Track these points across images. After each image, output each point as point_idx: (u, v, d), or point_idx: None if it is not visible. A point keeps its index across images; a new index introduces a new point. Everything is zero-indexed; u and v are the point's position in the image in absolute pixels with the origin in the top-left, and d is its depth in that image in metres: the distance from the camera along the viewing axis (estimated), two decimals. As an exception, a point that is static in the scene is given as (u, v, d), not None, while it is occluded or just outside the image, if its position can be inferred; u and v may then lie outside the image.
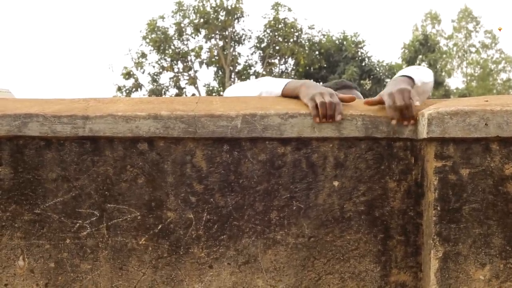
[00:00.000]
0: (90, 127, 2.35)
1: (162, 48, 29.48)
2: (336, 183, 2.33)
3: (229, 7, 29.24)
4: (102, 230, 2.38)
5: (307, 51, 29.57)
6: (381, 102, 2.38)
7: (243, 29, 30.15)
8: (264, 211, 2.34)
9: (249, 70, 30.28)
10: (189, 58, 29.90)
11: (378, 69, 31.37)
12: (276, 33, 28.77)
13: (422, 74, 2.65)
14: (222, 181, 2.35)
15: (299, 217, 2.33)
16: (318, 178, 2.33)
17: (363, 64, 31.32)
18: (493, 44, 46.60)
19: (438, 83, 31.79)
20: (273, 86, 2.65)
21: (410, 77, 2.54)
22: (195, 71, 30.16)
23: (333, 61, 30.96)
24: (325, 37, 30.63)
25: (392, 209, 2.32)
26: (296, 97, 2.54)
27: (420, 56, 32.65)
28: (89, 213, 2.38)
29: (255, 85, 2.76)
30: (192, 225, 2.35)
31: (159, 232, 2.36)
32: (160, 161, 2.36)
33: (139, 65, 29.70)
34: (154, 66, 30.00)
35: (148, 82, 30.17)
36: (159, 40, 29.28)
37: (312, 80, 2.75)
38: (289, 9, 29.51)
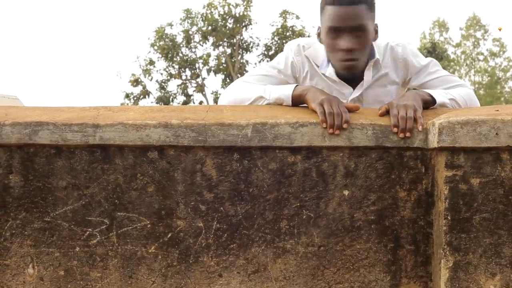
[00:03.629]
0: (100, 135, 2.36)
1: (170, 55, 29.50)
2: (346, 192, 2.33)
3: (237, 15, 29.28)
4: (112, 238, 2.38)
5: (315, 59, 29.47)
6: (387, 110, 2.42)
7: (251, 37, 30.17)
8: (274, 220, 2.34)
9: (257, 78, 30.24)
10: (197, 65, 29.91)
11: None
12: (284, 41, 28.71)
13: (453, 96, 2.70)
14: (232, 189, 2.35)
15: (309, 226, 2.33)
16: (328, 187, 2.33)
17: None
18: (501, 52, 46.55)
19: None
20: (280, 90, 2.64)
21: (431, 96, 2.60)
22: (203, 79, 30.18)
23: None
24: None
25: (402, 218, 2.32)
26: (302, 102, 2.56)
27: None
28: (99, 221, 2.38)
29: (255, 88, 2.74)
30: (202, 234, 2.35)
31: (168, 240, 2.36)
32: (170, 169, 2.36)
33: (147, 72, 29.72)
34: (162, 73, 30.01)
35: (156, 89, 30.18)
36: (167, 47, 29.31)
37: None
38: (297, 17, 29.53)
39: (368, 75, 2.81)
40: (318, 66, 2.84)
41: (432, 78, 2.84)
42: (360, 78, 2.81)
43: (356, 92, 2.82)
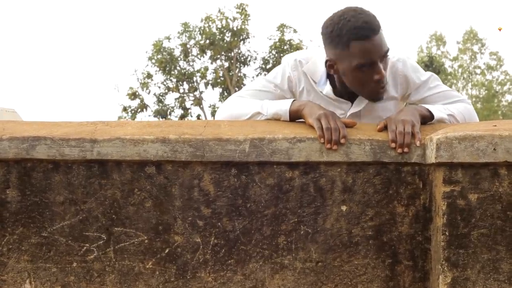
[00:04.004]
0: (98, 150, 2.36)
1: (167, 68, 29.53)
2: (344, 208, 2.32)
3: (235, 29, 29.34)
4: (109, 254, 2.37)
5: (312, 72, 29.50)
6: (386, 126, 2.42)
7: (248, 50, 30.21)
8: (272, 235, 2.34)
9: (254, 91, 30.26)
10: (194, 79, 29.94)
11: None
12: (281, 54, 28.74)
13: (449, 112, 2.70)
14: (229, 205, 2.34)
15: (307, 241, 2.33)
16: (326, 203, 2.33)
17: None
18: (498, 66, 46.65)
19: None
20: (278, 105, 2.63)
21: (429, 110, 2.61)
22: (201, 92, 30.20)
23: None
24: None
25: (400, 234, 2.31)
26: (299, 117, 2.56)
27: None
28: (96, 236, 2.38)
29: (252, 103, 2.73)
30: (200, 249, 2.35)
31: (166, 256, 2.36)
32: (167, 184, 2.36)
33: (144, 85, 29.73)
34: (159, 87, 30.02)
35: (154, 103, 30.18)
36: (165, 60, 29.34)
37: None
38: (295, 31, 29.60)
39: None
40: (315, 83, 2.82)
41: (432, 94, 2.83)
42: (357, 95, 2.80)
43: (356, 108, 2.80)
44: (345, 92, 2.78)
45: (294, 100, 2.62)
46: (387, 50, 2.62)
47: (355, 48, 2.56)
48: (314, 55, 2.85)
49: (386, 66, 2.65)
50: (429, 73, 2.88)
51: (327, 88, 2.78)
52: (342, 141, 2.32)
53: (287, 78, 2.84)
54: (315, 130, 2.37)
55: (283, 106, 2.60)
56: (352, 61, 2.59)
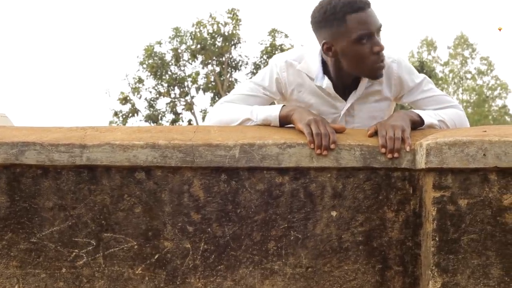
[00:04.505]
0: (87, 155, 2.35)
1: (159, 73, 29.51)
2: (334, 213, 2.32)
3: (226, 33, 29.35)
4: (98, 260, 2.36)
5: (303, 77, 29.51)
6: (376, 131, 2.42)
7: (240, 55, 30.21)
8: (262, 241, 2.33)
9: (245, 96, 30.25)
10: (186, 83, 29.92)
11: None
12: (273, 59, 28.78)
13: (440, 117, 2.72)
14: (219, 210, 2.34)
15: (297, 247, 2.32)
16: (316, 208, 2.32)
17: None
18: (488, 71, 46.82)
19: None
20: (267, 111, 2.63)
21: (419, 115, 2.62)
22: (192, 97, 30.18)
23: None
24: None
25: (390, 239, 2.31)
26: (289, 123, 2.56)
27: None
28: (85, 242, 2.37)
29: (242, 109, 2.73)
30: (189, 255, 2.34)
31: (156, 261, 2.35)
32: (157, 190, 2.35)
33: (135, 90, 29.71)
34: (150, 92, 30.00)
35: (145, 108, 30.15)
36: (156, 65, 29.32)
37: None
38: (286, 36, 29.62)
39: (362, 86, 2.80)
40: (312, 79, 2.81)
41: (424, 97, 2.86)
42: (351, 91, 2.82)
43: (349, 102, 2.82)
44: (341, 86, 2.80)
45: (283, 106, 2.62)
46: (381, 25, 2.66)
47: (352, 20, 2.61)
48: (305, 53, 2.86)
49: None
50: (422, 76, 2.90)
51: (326, 82, 2.78)
52: (332, 146, 2.32)
53: (275, 79, 2.85)
54: (305, 135, 2.37)
55: (273, 112, 2.59)
56: (351, 35, 2.62)
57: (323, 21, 2.68)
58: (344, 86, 2.80)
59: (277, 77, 2.84)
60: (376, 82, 2.82)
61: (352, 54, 2.66)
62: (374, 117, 2.80)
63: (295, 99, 2.86)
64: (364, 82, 2.79)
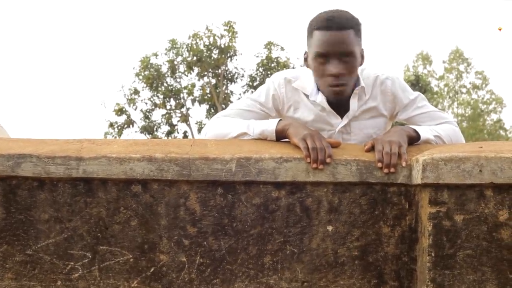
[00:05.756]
0: (83, 168, 2.35)
1: (154, 85, 29.49)
2: (330, 228, 2.32)
3: (222, 46, 29.36)
4: (94, 272, 2.36)
5: (299, 90, 29.52)
6: (373, 146, 2.43)
7: (235, 68, 30.20)
8: (258, 255, 2.33)
9: (241, 108, 30.25)
10: (181, 95, 29.91)
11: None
12: (268, 72, 28.80)
13: (437, 134, 2.73)
14: (215, 224, 2.34)
15: (293, 261, 2.32)
16: (312, 223, 2.32)
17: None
18: (483, 85, 46.89)
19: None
20: (264, 125, 2.64)
21: (416, 131, 2.63)
22: (188, 109, 30.16)
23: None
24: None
25: (386, 254, 2.31)
26: (285, 137, 2.56)
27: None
28: (81, 255, 2.36)
29: (238, 123, 2.74)
30: (185, 269, 2.34)
31: (151, 275, 2.35)
32: (153, 203, 2.35)
33: (131, 101, 29.67)
34: (146, 103, 29.96)
35: (140, 119, 30.10)
36: (152, 77, 29.30)
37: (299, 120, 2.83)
38: (282, 48, 29.61)
39: (353, 104, 2.82)
40: (307, 96, 2.85)
41: (419, 113, 2.88)
42: (348, 107, 2.83)
43: (344, 121, 2.84)
44: (335, 102, 2.82)
45: (280, 120, 2.63)
46: (349, 51, 2.68)
47: (315, 36, 2.71)
48: (301, 73, 2.91)
49: (348, 69, 2.70)
50: (416, 93, 2.92)
51: (320, 97, 2.81)
52: (328, 160, 2.32)
53: (271, 96, 2.88)
54: (301, 150, 2.37)
55: (269, 126, 2.60)
56: (311, 50, 2.74)
57: (307, 30, 2.80)
58: (338, 102, 2.82)
59: (274, 94, 2.88)
60: (370, 98, 2.85)
61: (313, 68, 2.77)
62: (370, 135, 2.84)
63: (291, 116, 2.88)
64: (355, 99, 2.82)
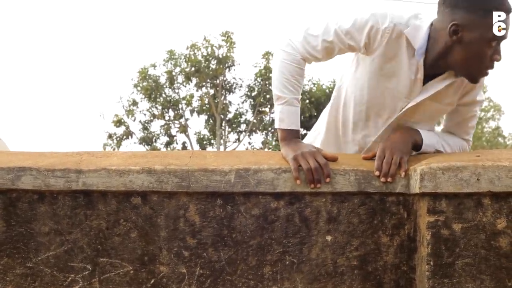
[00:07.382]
0: (83, 180, 2.35)
1: (153, 96, 29.53)
2: (329, 238, 2.33)
3: (220, 56, 29.41)
4: (94, 285, 2.36)
5: (297, 100, 29.52)
6: (375, 155, 2.43)
7: (234, 78, 30.24)
8: (257, 265, 2.34)
9: (240, 119, 30.32)
10: (180, 106, 29.95)
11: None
12: (266, 82, 28.85)
13: (436, 144, 2.66)
14: (215, 235, 2.35)
15: (292, 271, 2.33)
16: (311, 233, 2.33)
17: (354, 113, 31.24)
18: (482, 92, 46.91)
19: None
20: (284, 114, 2.59)
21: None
22: (186, 119, 30.20)
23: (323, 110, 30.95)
24: (315, 86, 30.68)
25: (385, 263, 2.32)
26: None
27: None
28: (81, 267, 2.37)
29: (292, 87, 2.60)
30: (185, 280, 2.34)
31: (151, 286, 2.35)
32: (153, 215, 2.36)
33: (130, 113, 29.72)
34: (145, 114, 30.00)
35: (139, 130, 30.14)
36: (150, 88, 29.35)
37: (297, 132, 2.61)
38: (280, 58, 29.61)
39: (445, 81, 2.61)
40: (412, 49, 2.58)
41: (467, 117, 2.77)
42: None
43: (426, 94, 2.61)
44: (431, 70, 2.60)
45: (283, 129, 2.57)
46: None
47: (495, 17, 2.41)
48: (412, 20, 2.58)
49: None
50: (482, 97, 2.78)
51: (422, 61, 2.58)
52: (327, 180, 2.32)
53: (368, 27, 2.56)
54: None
55: (281, 124, 2.58)
56: (487, 32, 2.42)
57: (468, 2, 2.44)
58: (435, 71, 2.60)
59: (368, 31, 2.56)
60: (455, 83, 2.63)
61: (474, 50, 2.46)
62: (433, 117, 2.70)
63: (369, 62, 2.65)
64: (450, 77, 2.61)
